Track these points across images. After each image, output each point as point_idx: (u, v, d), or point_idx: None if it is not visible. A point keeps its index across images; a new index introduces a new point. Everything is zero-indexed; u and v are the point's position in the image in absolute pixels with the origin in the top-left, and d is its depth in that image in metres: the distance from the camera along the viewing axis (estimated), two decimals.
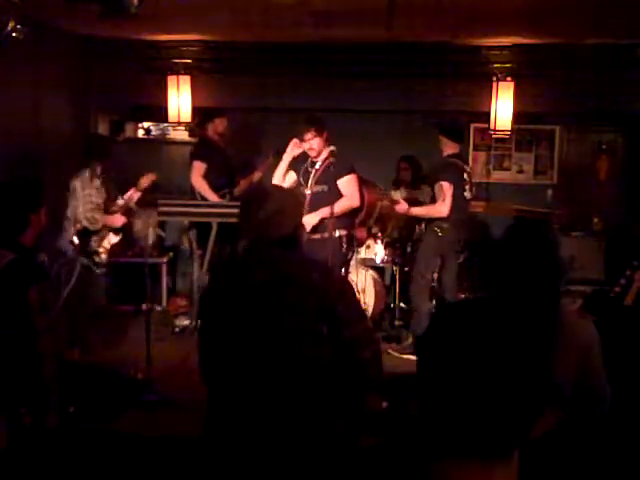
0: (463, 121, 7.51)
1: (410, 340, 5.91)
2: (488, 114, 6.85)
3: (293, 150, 5.19)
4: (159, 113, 7.12)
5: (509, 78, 6.68)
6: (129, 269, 6.80)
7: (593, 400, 2.26)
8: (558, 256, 2.42)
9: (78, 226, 5.56)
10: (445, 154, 5.80)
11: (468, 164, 6.13)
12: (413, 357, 5.20)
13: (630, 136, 7.55)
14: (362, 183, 5.35)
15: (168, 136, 7.71)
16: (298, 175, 5.24)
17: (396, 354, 5.64)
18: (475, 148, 7.79)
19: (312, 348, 2.33)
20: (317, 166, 5.15)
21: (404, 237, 6.50)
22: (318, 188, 5.09)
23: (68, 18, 5.35)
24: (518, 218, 6.71)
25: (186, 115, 6.95)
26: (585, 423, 2.20)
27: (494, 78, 6.71)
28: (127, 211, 6.02)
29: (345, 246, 5.15)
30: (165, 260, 7.19)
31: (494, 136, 7.17)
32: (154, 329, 5.08)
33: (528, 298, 2.21)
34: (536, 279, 2.29)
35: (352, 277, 5.78)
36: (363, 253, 6.48)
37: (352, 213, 5.23)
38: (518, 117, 6.84)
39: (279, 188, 3.33)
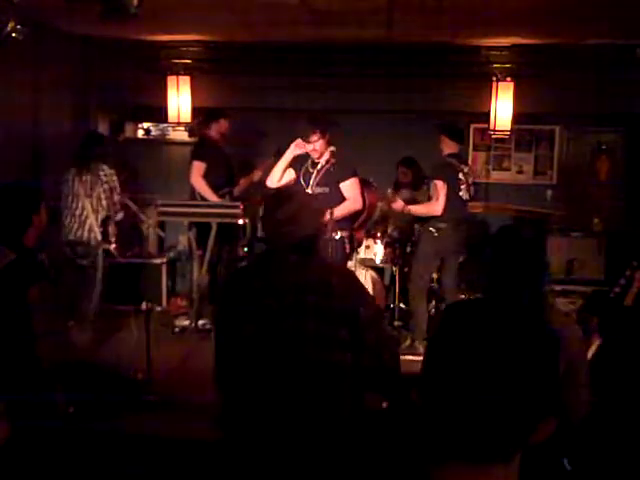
0: (463, 121, 7.54)
1: (409, 341, 5.91)
2: (488, 114, 6.85)
3: (295, 150, 5.17)
4: (159, 113, 7.12)
5: (509, 78, 6.68)
6: (129, 269, 6.82)
7: (571, 405, 2.28)
8: (540, 257, 2.46)
9: (101, 215, 5.82)
10: (444, 154, 5.83)
11: (467, 164, 6.12)
12: (412, 357, 5.20)
13: (630, 136, 7.55)
14: (363, 185, 5.35)
15: (168, 136, 7.72)
16: (298, 174, 5.23)
17: None
18: (475, 148, 7.79)
19: (334, 353, 2.32)
20: (319, 167, 5.13)
21: (404, 237, 6.51)
22: (319, 190, 5.08)
23: (68, 18, 5.34)
24: (516, 219, 6.73)
25: (186, 115, 6.96)
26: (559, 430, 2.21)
27: (494, 78, 6.71)
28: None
29: (347, 247, 5.16)
30: (165, 260, 7.20)
31: (494, 136, 7.18)
32: (154, 329, 5.08)
33: (513, 298, 2.25)
34: (518, 279, 2.34)
35: None
36: (363, 253, 6.48)
37: (354, 215, 5.23)
38: (518, 117, 6.84)
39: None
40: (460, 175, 5.81)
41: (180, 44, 6.77)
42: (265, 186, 7.25)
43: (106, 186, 5.80)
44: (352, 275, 2.84)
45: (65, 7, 4.54)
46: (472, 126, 7.66)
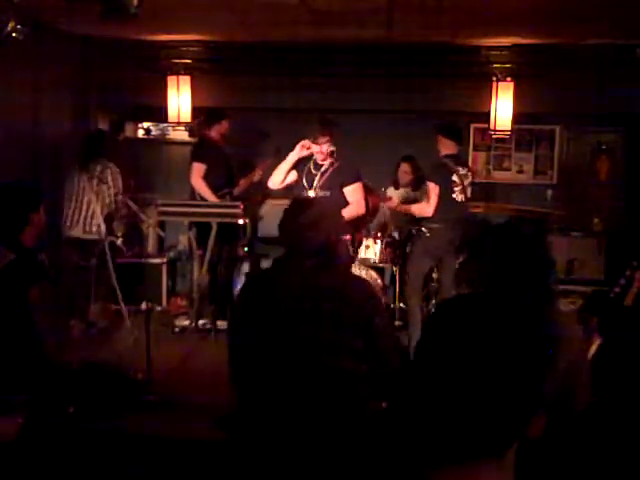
0: (462, 122, 7.53)
1: (407, 341, 5.92)
2: (488, 114, 6.85)
3: (301, 152, 5.12)
4: (159, 113, 7.12)
5: (509, 78, 6.68)
6: (129, 269, 6.82)
7: (567, 404, 2.29)
8: (541, 254, 2.45)
9: (105, 211, 5.96)
10: (441, 154, 5.84)
11: (466, 166, 6.07)
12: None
13: (630, 136, 7.55)
14: (367, 189, 5.34)
15: (168, 136, 7.72)
16: (300, 176, 5.20)
17: None
18: (475, 148, 7.79)
19: (347, 360, 2.32)
20: (322, 170, 5.09)
21: (404, 237, 6.51)
22: (322, 193, 5.06)
23: (68, 18, 5.34)
24: (515, 218, 6.73)
25: (186, 115, 6.95)
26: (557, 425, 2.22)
27: (494, 78, 6.71)
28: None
29: (351, 250, 5.15)
30: (165, 260, 7.20)
31: (494, 136, 7.17)
32: (154, 329, 5.08)
33: (514, 296, 2.26)
34: (519, 277, 2.33)
35: None
36: (363, 253, 6.48)
37: (356, 219, 5.22)
38: (518, 117, 6.84)
39: (322, 198, 3.33)
40: (454, 177, 5.81)
41: (180, 44, 6.76)
42: (265, 186, 7.27)
43: (111, 184, 5.94)
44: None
45: (65, 7, 4.54)
46: (472, 126, 7.66)
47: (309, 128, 5.11)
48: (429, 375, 1.04)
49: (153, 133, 7.71)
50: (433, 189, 5.68)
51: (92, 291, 6.14)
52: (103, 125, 7.53)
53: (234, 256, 7.00)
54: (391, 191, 6.77)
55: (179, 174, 7.22)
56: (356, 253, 5.80)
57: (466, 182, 5.91)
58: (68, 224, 5.95)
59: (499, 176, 7.80)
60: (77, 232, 5.93)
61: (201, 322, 6.29)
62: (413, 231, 6.20)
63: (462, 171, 5.90)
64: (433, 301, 6.27)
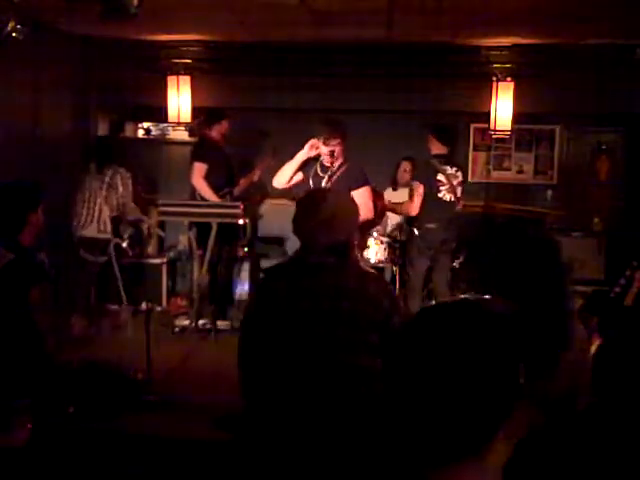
0: (462, 122, 7.54)
1: None
2: (488, 114, 6.84)
3: (310, 152, 5.05)
4: (159, 113, 7.11)
5: (509, 78, 6.67)
6: (129, 269, 6.82)
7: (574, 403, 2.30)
8: (549, 258, 2.46)
9: (113, 214, 6.25)
10: (431, 154, 5.90)
11: (456, 165, 6.04)
12: None
13: (630, 136, 7.55)
14: (374, 193, 5.33)
15: (168, 136, 7.71)
16: (306, 177, 5.15)
17: None
18: (475, 148, 7.79)
19: (364, 358, 2.30)
20: (330, 173, 5.05)
21: (404, 237, 6.51)
22: None
23: (68, 18, 5.34)
24: (514, 218, 6.74)
25: (186, 115, 6.95)
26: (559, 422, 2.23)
27: (494, 78, 6.71)
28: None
29: (357, 253, 5.14)
30: (165, 260, 7.20)
31: (494, 136, 7.17)
32: (154, 329, 5.08)
33: (515, 299, 2.27)
34: (523, 281, 2.35)
35: None
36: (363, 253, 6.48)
37: (364, 222, 5.20)
38: (518, 117, 6.83)
39: (337, 194, 3.29)
40: (440, 176, 5.83)
41: (180, 44, 6.76)
42: (264, 186, 7.26)
43: (121, 189, 6.22)
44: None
45: (65, 7, 4.54)
46: (472, 126, 7.66)
47: (316, 128, 5.02)
48: (395, 377, 1.05)
49: (153, 133, 7.71)
50: (417, 188, 5.77)
51: (92, 290, 6.24)
52: (103, 125, 7.54)
53: (234, 256, 7.00)
54: (389, 192, 6.79)
55: (179, 174, 7.22)
56: (362, 257, 5.81)
57: (455, 181, 5.91)
58: (81, 224, 6.20)
59: (499, 176, 7.80)
60: (91, 232, 6.18)
61: (201, 322, 6.29)
62: (413, 231, 6.22)
63: (450, 170, 5.91)
64: (433, 301, 6.27)
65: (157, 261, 7.15)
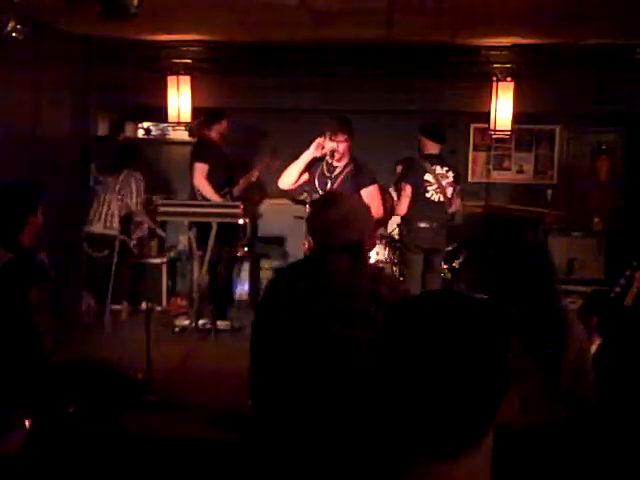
0: (462, 122, 7.54)
1: None
2: (488, 114, 6.84)
3: (316, 152, 5.01)
4: (159, 113, 7.11)
5: (509, 78, 6.67)
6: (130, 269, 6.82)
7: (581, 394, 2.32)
8: (543, 259, 2.50)
9: (123, 212, 6.54)
10: (422, 154, 5.92)
11: (447, 165, 6.02)
12: None
13: (630, 136, 7.55)
14: (382, 191, 5.32)
15: (168, 136, 7.71)
16: (312, 177, 5.12)
17: None
18: (475, 148, 7.79)
19: None
20: (337, 172, 5.03)
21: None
22: None
23: (68, 18, 5.34)
24: (514, 218, 6.74)
25: (186, 115, 6.95)
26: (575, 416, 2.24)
27: (494, 78, 6.70)
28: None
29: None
30: (165, 260, 7.20)
31: (494, 136, 7.17)
32: (154, 329, 5.08)
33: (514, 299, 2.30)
34: (520, 281, 2.38)
35: None
36: None
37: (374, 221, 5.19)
38: (518, 117, 6.83)
39: (350, 195, 3.30)
40: (428, 176, 5.83)
41: (180, 44, 6.76)
42: (263, 186, 7.26)
43: (134, 190, 6.56)
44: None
45: (65, 7, 4.53)
46: (472, 126, 7.66)
47: (325, 123, 4.98)
48: (394, 371, 1.05)
49: (153, 133, 7.70)
50: (404, 188, 5.78)
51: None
52: (103, 125, 7.54)
53: (234, 256, 7.01)
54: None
55: (179, 174, 7.23)
56: (369, 257, 5.81)
57: (445, 182, 5.91)
58: (89, 220, 6.52)
59: (499, 176, 7.80)
60: (98, 228, 6.46)
61: (201, 322, 6.29)
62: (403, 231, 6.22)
63: (440, 170, 5.90)
64: None
65: (157, 261, 7.16)
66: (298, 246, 5.83)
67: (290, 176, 5.11)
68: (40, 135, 6.09)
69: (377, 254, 6.54)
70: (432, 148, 5.93)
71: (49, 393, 3.13)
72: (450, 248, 6.48)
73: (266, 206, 7.56)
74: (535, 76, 6.75)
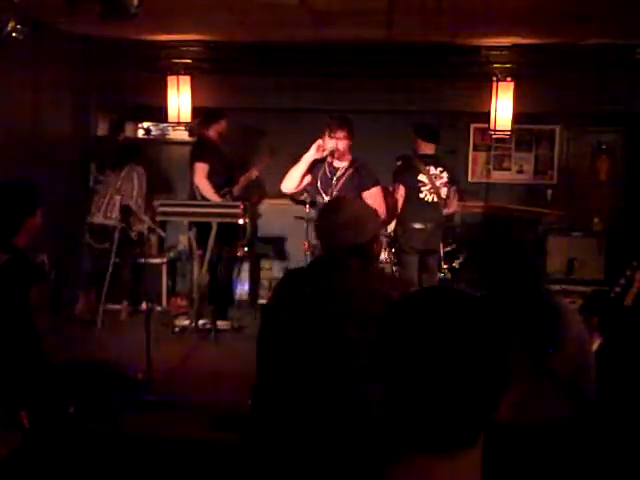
0: (463, 121, 7.53)
1: None
2: (488, 114, 6.84)
3: (317, 154, 4.95)
4: (159, 113, 7.11)
5: (509, 78, 6.67)
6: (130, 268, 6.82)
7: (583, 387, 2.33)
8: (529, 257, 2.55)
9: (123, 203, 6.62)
10: (417, 154, 5.92)
11: (441, 166, 6.00)
12: None
13: (630, 136, 7.55)
14: (385, 193, 5.31)
15: (168, 136, 7.71)
16: (315, 180, 5.07)
17: None
18: (475, 148, 7.78)
19: None
20: (339, 174, 5.00)
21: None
22: None
23: (68, 18, 5.34)
24: (512, 218, 6.74)
25: (186, 115, 6.95)
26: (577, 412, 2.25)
27: (494, 78, 6.71)
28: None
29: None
30: (165, 260, 7.20)
31: (494, 136, 7.17)
32: (154, 329, 5.08)
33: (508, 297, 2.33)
34: (509, 279, 2.41)
35: None
36: None
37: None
38: (518, 117, 6.83)
39: (358, 199, 3.32)
40: (422, 177, 5.83)
41: (180, 44, 6.76)
42: (262, 186, 7.26)
43: (136, 185, 6.65)
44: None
45: (65, 7, 4.53)
46: (472, 126, 7.66)
47: (327, 122, 4.95)
48: (395, 368, 1.04)
49: (153, 133, 7.70)
50: (397, 189, 5.80)
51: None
52: (103, 125, 7.54)
53: (234, 256, 7.01)
54: None
55: (179, 174, 7.23)
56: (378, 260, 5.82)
57: (439, 182, 5.90)
58: (92, 212, 6.65)
59: (499, 176, 7.79)
60: (99, 218, 6.61)
61: (201, 322, 6.29)
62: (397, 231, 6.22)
63: (434, 171, 5.90)
64: None
65: (157, 261, 7.15)
66: (298, 246, 5.84)
67: (292, 179, 5.06)
68: (40, 135, 6.10)
69: None
70: (426, 148, 5.93)
71: (49, 393, 3.13)
72: (449, 248, 6.48)
73: (266, 206, 7.56)
74: (535, 76, 6.75)
